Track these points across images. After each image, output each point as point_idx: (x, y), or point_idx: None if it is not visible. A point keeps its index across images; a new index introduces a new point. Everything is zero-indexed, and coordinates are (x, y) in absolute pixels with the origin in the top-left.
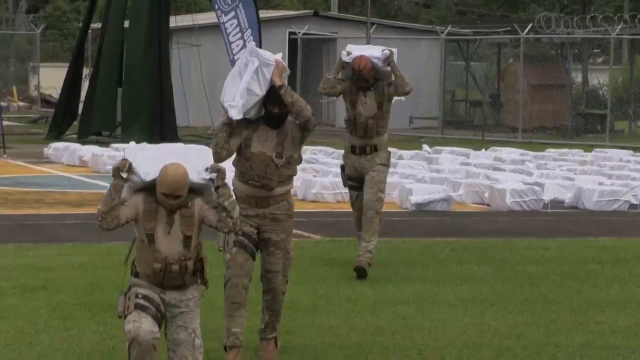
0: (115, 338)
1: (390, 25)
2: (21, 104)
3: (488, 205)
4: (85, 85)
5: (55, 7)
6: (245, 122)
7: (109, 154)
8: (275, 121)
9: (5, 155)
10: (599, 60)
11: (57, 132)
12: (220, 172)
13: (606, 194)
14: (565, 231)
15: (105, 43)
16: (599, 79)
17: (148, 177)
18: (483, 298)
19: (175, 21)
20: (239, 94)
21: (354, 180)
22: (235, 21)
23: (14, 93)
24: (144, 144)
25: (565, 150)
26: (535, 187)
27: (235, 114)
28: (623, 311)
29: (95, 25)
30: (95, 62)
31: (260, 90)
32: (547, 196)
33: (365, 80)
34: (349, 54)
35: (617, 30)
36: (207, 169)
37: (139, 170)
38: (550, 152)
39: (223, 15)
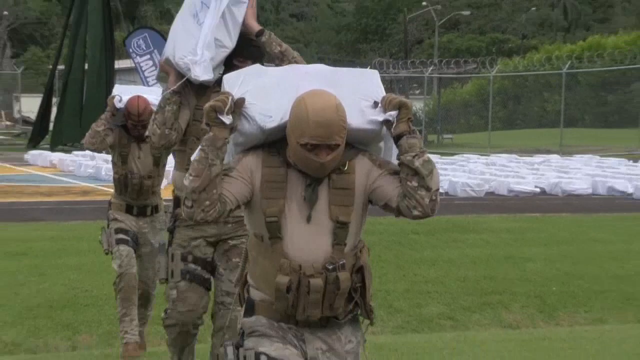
0: None
1: None
2: (7, 123)
3: None
4: (54, 110)
5: (33, 53)
6: (195, 89)
7: (72, 159)
8: None
9: None
10: (417, 92)
11: (34, 143)
12: (405, 108)
13: None
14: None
15: (69, 80)
16: (416, 105)
17: (270, 123)
18: None
19: (118, 64)
20: (202, 45)
21: (128, 234)
22: (150, 62)
23: (2, 115)
24: (257, 66)
25: None
26: None
27: (202, 73)
28: (433, 267)
29: (61, 67)
30: (61, 93)
31: (230, 41)
32: None
33: (144, 127)
34: (121, 99)
35: (429, 71)
36: (375, 103)
37: (252, 111)
38: None
39: (138, 57)
